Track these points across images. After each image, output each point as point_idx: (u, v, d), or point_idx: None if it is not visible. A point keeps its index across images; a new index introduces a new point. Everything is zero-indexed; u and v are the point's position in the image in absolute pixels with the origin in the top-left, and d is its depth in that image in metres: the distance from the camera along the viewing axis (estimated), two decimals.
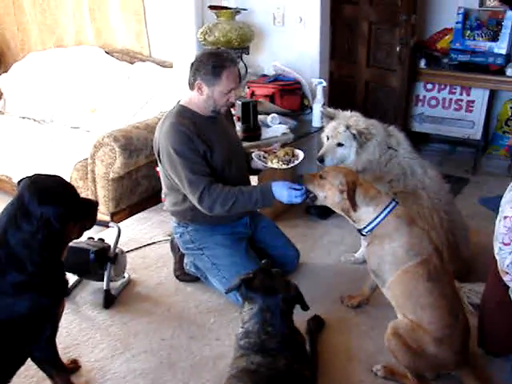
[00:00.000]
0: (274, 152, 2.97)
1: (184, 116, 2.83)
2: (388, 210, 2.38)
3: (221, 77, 2.76)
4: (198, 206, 2.78)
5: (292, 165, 2.97)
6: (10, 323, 2.00)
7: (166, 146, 2.79)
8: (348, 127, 3.06)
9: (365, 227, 2.43)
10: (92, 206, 2.30)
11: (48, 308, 2.11)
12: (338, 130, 3.11)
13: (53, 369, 2.23)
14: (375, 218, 2.38)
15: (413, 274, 2.30)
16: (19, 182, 2.13)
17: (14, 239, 2.01)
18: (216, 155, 2.86)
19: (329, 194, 2.50)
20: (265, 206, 2.86)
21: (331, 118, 3.23)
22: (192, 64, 2.84)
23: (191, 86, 2.84)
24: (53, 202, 2.04)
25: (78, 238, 2.25)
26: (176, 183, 2.86)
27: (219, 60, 2.77)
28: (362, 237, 2.51)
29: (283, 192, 2.71)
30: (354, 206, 2.41)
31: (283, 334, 2.21)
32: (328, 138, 3.19)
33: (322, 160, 3.17)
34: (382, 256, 2.38)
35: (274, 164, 2.93)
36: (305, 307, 2.39)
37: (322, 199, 2.56)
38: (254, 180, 3.42)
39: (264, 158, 2.95)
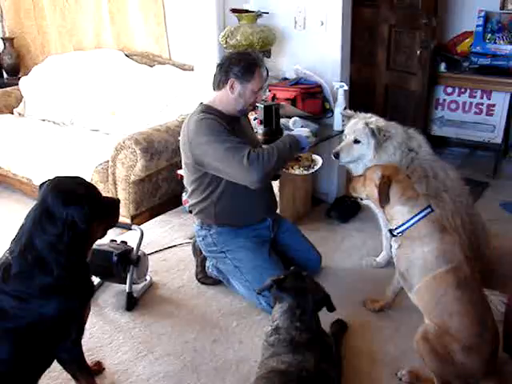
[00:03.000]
0: (296, 158, 2.97)
1: (209, 112, 2.84)
2: (422, 214, 2.34)
3: (254, 74, 2.82)
4: (246, 169, 2.62)
5: (312, 170, 2.99)
6: (38, 325, 2.00)
7: (197, 138, 2.76)
8: (367, 124, 3.03)
9: (396, 228, 2.40)
10: (114, 203, 2.31)
11: (75, 310, 2.12)
12: (357, 127, 3.07)
13: (78, 370, 2.23)
14: (408, 220, 2.35)
15: (442, 281, 2.27)
16: (41, 186, 2.13)
17: (40, 242, 2.01)
18: None
19: (368, 190, 2.49)
20: (297, 151, 2.89)
21: (350, 118, 3.22)
22: (221, 64, 2.87)
23: (221, 84, 2.86)
24: (77, 203, 2.03)
25: (102, 237, 2.25)
26: (214, 170, 2.78)
27: (251, 59, 2.85)
28: (392, 238, 2.48)
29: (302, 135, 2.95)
30: (382, 200, 2.38)
31: (312, 331, 2.24)
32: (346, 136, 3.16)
33: (336, 156, 3.11)
34: (412, 260, 2.36)
35: (295, 170, 2.97)
36: (331, 308, 2.42)
37: (366, 198, 2.56)
38: (275, 184, 3.41)
39: None
